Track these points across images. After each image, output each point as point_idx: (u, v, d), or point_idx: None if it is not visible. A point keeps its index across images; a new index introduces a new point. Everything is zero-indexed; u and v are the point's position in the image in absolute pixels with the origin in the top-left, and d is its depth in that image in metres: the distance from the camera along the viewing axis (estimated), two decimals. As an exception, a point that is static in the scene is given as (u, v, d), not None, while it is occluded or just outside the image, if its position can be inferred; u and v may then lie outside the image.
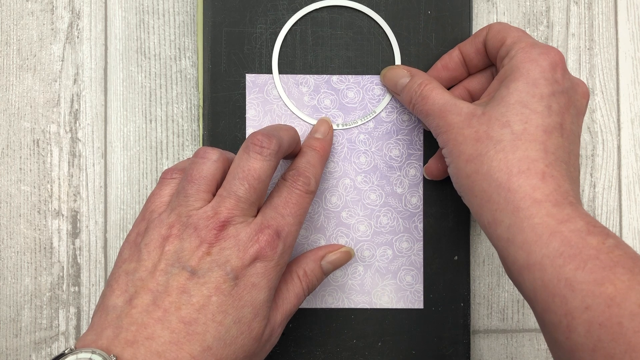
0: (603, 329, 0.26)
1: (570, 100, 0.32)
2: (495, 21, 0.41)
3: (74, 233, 0.40)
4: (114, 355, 0.27)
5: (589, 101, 0.41)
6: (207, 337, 0.28)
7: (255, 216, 0.31)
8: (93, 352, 0.27)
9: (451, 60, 0.37)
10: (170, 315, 0.28)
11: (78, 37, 0.40)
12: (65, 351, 0.27)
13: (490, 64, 0.36)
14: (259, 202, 0.32)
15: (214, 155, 0.32)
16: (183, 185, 0.31)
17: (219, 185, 0.32)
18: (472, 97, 0.37)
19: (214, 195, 0.31)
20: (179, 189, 0.31)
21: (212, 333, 0.28)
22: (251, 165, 0.31)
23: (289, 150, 0.33)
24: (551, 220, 0.28)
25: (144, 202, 0.40)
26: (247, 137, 0.32)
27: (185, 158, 0.40)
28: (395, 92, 0.37)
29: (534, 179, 0.29)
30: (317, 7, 0.38)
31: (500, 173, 0.30)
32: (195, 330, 0.28)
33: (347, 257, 0.37)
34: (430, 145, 0.38)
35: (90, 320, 0.40)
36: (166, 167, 0.40)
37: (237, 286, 0.29)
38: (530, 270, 0.28)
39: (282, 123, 0.38)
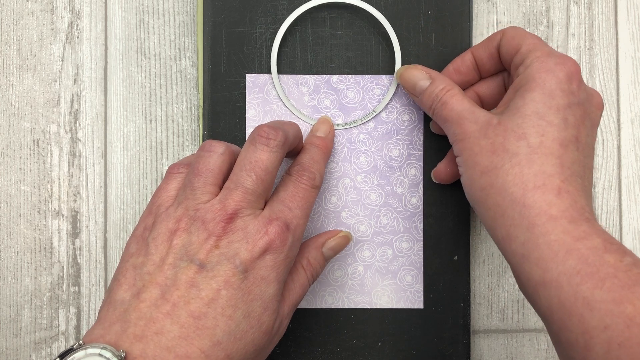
0: (622, 350, 0.25)
1: (586, 112, 0.31)
2: (495, 21, 0.41)
3: (74, 233, 0.40)
4: (123, 351, 0.27)
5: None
6: (217, 332, 0.28)
7: (263, 209, 0.31)
8: (103, 348, 0.26)
9: (463, 63, 0.36)
10: (180, 310, 0.28)
11: (78, 37, 0.40)
12: (74, 346, 0.27)
13: (503, 69, 0.36)
14: (266, 195, 0.31)
15: (220, 148, 0.32)
16: (190, 179, 0.31)
17: (225, 179, 0.32)
18: (482, 102, 0.37)
19: (220, 188, 0.31)
20: (186, 182, 0.31)
21: (222, 327, 0.28)
22: (258, 156, 0.31)
23: (293, 145, 0.33)
24: (567, 237, 0.28)
25: (149, 199, 0.40)
26: (251, 131, 0.32)
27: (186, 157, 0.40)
28: (413, 94, 0.36)
29: (549, 194, 0.29)
30: (317, 3, 0.38)
31: (515, 188, 0.30)
32: (205, 325, 0.28)
33: (346, 241, 0.37)
34: (430, 146, 0.38)
35: (90, 320, 0.40)
36: (166, 168, 0.40)
37: (246, 279, 0.29)
38: (546, 287, 0.28)
39: (283, 123, 0.38)
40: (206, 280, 0.29)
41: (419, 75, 0.36)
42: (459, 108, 0.33)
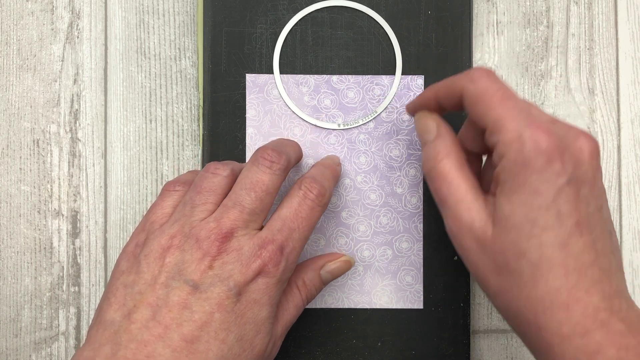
0: None
1: (579, 183, 0.28)
2: (495, 21, 0.41)
3: (74, 233, 0.40)
4: None
5: (589, 101, 0.41)
6: (210, 356, 0.28)
7: (260, 229, 0.31)
8: None
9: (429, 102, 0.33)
10: (172, 332, 0.27)
11: (78, 37, 0.40)
12: None
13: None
14: (264, 215, 0.31)
15: (224, 171, 0.32)
16: (191, 197, 0.31)
17: None
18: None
19: None
20: (186, 199, 0.31)
21: (214, 351, 0.28)
22: (259, 177, 0.30)
23: (294, 166, 0.33)
24: (581, 356, 0.27)
25: (149, 199, 0.40)
26: (255, 151, 0.32)
27: (185, 158, 0.40)
28: (421, 142, 0.33)
29: (559, 313, 0.27)
30: (318, 7, 0.38)
31: (527, 312, 0.28)
32: (197, 349, 0.27)
33: (347, 266, 0.37)
34: (430, 146, 0.38)
35: (90, 320, 0.40)
36: (166, 168, 0.40)
37: (239, 302, 0.29)
38: None
39: (283, 124, 0.38)
40: (199, 302, 0.28)
41: (428, 126, 0.32)
42: (451, 201, 0.30)
